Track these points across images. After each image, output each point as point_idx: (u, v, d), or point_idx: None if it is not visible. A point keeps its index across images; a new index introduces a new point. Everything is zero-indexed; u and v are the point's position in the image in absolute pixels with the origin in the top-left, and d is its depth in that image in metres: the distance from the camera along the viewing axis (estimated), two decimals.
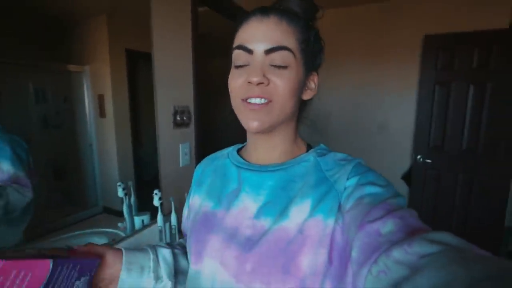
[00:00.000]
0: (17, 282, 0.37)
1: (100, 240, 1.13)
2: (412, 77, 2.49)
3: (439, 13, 2.35)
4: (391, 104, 2.62)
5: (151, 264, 0.51)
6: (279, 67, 0.43)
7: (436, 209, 2.48)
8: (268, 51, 0.42)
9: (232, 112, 0.49)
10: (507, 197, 2.29)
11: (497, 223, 2.32)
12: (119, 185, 1.20)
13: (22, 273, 0.38)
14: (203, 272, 0.45)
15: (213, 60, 1.94)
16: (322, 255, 0.38)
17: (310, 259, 0.39)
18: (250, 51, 0.43)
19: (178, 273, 0.55)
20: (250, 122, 0.44)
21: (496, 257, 0.23)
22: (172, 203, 1.18)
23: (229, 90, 0.47)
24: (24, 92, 0.91)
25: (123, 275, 0.48)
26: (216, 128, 2.64)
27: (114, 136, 1.23)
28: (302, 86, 0.47)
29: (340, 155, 0.47)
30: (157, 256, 0.54)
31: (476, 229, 2.37)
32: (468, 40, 2.24)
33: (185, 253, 0.59)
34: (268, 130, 0.46)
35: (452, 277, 0.21)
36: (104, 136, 1.19)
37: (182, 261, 0.57)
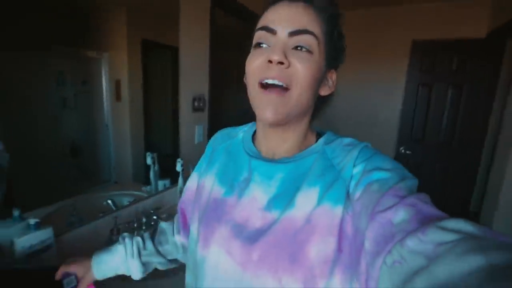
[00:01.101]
0: None
1: (129, 199, 1.25)
2: (400, 77, 2.57)
3: (426, 21, 2.42)
4: (380, 100, 2.71)
5: (120, 248, 0.60)
6: (302, 48, 0.39)
7: None
8: (292, 33, 0.39)
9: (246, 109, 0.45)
10: (474, 185, 2.45)
11: (464, 208, 2.48)
12: (148, 155, 1.32)
13: None
14: (208, 259, 0.43)
15: (223, 52, 2.02)
16: (331, 244, 0.35)
17: (319, 248, 0.36)
18: (273, 31, 0.39)
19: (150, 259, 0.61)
20: (265, 112, 0.39)
21: None
22: (191, 169, 1.34)
23: (246, 72, 0.42)
24: (47, 75, 0.93)
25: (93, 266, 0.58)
26: (225, 112, 2.77)
27: (128, 118, 1.26)
28: (321, 78, 0.42)
29: (346, 140, 0.44)
30: (131, 242, 0.60)
31: (446, 212, 2.54)
32: (449, 47, 2.34)
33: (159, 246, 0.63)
34: (282, 122, 0.41)
35: (471, 265, 0.20)
36: (119, 118, 1.22)
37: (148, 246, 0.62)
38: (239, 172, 0.47)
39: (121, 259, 0.59)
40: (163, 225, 0.66)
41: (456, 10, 2.33)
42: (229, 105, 2.92)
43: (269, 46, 0.40)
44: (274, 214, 0.40)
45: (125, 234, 0.62)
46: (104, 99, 1.19)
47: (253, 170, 0.45)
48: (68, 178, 1.08)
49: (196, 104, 1.56)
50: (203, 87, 1.62)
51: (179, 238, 0.62)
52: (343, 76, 2.81)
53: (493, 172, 1.96)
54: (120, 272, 0.60)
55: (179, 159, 1.35)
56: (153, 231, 0.65)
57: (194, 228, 0.50)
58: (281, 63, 0.38)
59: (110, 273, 0.60)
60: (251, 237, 0.40)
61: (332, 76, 0.46)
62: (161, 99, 1.47)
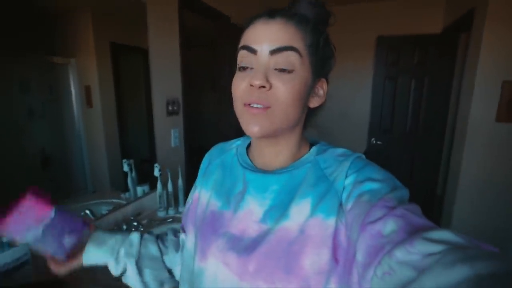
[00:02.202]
0: (32, 211, 0.47)
1: (108, 207, 1.21)
2: (368, 71, 2.71)
3: (389, 18, 2.58)
4: (350, 94, 2.83)
5: (113, 242, 0.53)
6: (283, 70, 0.39)
7: None
8: (274, 52, 0.38)
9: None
10: (438, 171, 2.64)
11: (431, 192, 2.66)
12: (124, 162, 1.29)
13: (37, 206, 0.47)
14: (206, 270, 0.43)
15: (195, 53, 2.00)
16: (325, 255, 0.36)
17: (313, 259, 0.36)
18: (254, 51, 0.39)
19: (144, 257, 0.55)
20: (250, 126, 0.40)
21: (501, 253, 0.22)
22: (169, 174, 1.38)
23: (232, 93, 0.43)
24: (9, 83, 0.89)
25: (86, 246, 0.51)
26: (201, 114, 2.73)
27: (102, 125, 1.22)
28: (308, 92, 0.42)
29: (339, 151, 0.44)
30: (124, 238, 0.55)
31: (414, 198, 2.72)
32: (411, 42, 2.49)
33: (159, 241, 0.59)
34: (270, 135, 0.42)
35: (458, 276, 0.20)
36: (92, 125, 1.19)
37: (151, 247, 0.56)
38: (235, 185, 0.47)
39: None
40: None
41: (415, 7, 2.49)
42: (205, 107, 2.89)
43: (252, 68, 0.40)
44: (269, 225, 0.41)
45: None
46: (74, 106, 1.14)
47: (248, 183, 0.45)
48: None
49: (170, 107, 1.54)
50: (176, 90, 1.60)
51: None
52: None
53: (453, 158, 2.12)
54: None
55: (156, 164, 1.34)
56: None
57: (189, 240, 0.49)
58: (263, 86, 0.38)
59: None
60: (246, 248, 0.40)
61: (323, 86, 0.45)
62: (135, 103, 1.43)
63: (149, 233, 0.59)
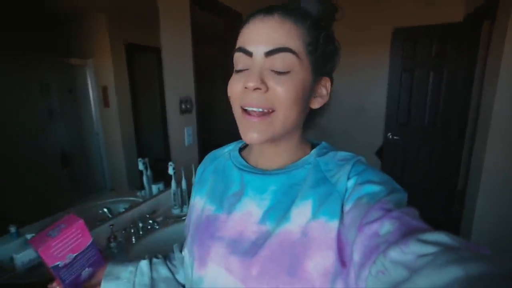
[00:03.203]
0: (74, 239, 0.46)
1: (125, 205, 1.23)
2: (384, 65, 2.61)
3: (406, 8, 2.45)
4: (365, 88, 2.74)
5: (127, 275, 0.53)
6: (279, 73, 0.37)
7: (403, 177, 2.69)
8: (269, 53, 0.37)
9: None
10: (459, 166, 2.53)
11: (451, 187, 2.56)
12: (140, 160, 1.31)
13: (80, 235, 0.46)
14: (206, 278, 0.42)
15: (207, 50, 2.00)
16: (330, 257, 0.35)
17: (317, 262, 0.36)
18: (249, 54, 0.38)
19: (158, 281, 0.55)
20: (248, 134, 0.39)
21: (493, 255, 0.22)
22: (183, 172, 1.41)
23: (229, 95, 0.42)
24: (30, 86, 0.91)
25: (102, 282, 0.51)
26: (214, 111, 2.74)
27: (118, 124, 1.24)
28: (309, 93, 0.41)
29: (340, 154, 0.43)
30: (136, 268, 0.55)
31: (434, 192, 2.59)
32: (428, 33, 2.38)
33: (168, 262, 0.59)
34: (269, 141, 0.41)
35: (450, 277, 0.20)
36: (109, 125, 1.21)
37: (161, 270, 0.57)
38: (228, 188, 0.47)
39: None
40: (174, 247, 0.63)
41: None
42: (217, 104, 2.90)
43: (248, 69, 0.39)
44: (268, 226, 0.40)
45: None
46: (92, 107, 1.16)
47: (246, 184, 0.45)
48: (61, 189, 1.06)
49: (183, 106, 1.54)
50: (189, 88, 1.60)
51: None
52: None
53: (475, 152, 2.03)
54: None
55: (170, 163, 1.35)
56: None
57: (187, 250, 0.49)
58: (258, 88, 0.37)
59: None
60: (248, 251, 0.40)
61: (326, 85, 0.44)
62: (150, 102, 1.45)
63: (156, 256, 0.60)
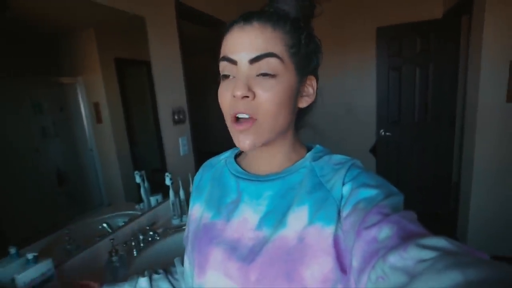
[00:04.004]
0: None
1: (124, 219, 1.23)
2: (371, 64, 2.68)
3: (387, 8, 2.55)
4: (355, 87, 2.80)
5: None
6: (266, 75, 0.38)
7: (399, 174, 2.73)
8: (253, 61, 0.38)
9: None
10: (452, 158, 2.58)
11: (446, 180, 2.61)
12: (136, 173, 1.31)
13: None
14: (206, 285, 0.43)
15: (196, 61, 2.02)
16: (328, 263, 0.35)
17: (315, 269, 0.36)
18: (234, 62, 0.39)
19: None
20: (241, 143, 0.40)
21: (492, 259, 0.22)
22: (180, 182, 1.41)
23: (220, 105, 0.43)
24: (22, 105, 0.91)
25: None
26: (207, 120, 2.76)
27: (112, 139, 1.25)
28: (295, 94, 0.42)
29: (335, 158, 0.43)
30: (134, 287, 0.56)
31: (430, 187, 2.64)
32: (412, 30, 2.46)
33: (169, 276, 0.60)
34: (263, 146, 0.42)
35: (449, 282, 0.20)
36: (103, 140, 1.21)
37: (163, 286, 0.58)
38: (226, 195, 0.47)
39: None
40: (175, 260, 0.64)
41: None
42: (211, 112, 2.91)
43: (234, 76, 0.40)
44: (265, 232, 0.40)
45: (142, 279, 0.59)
46: (85, 123, 1.17)
47: (242, 191, 0.45)
48: (59, 207, 1.06)
49: (176, 117, 1.56)
50: (181, 99, 1.63)
51: None
52: None
53: (465, 144, 2.07)
54: None
55: (167, 173, 1.35)
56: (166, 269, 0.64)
57: (187, 258, 0.49)
58: (246, 96, 0.38)
59: None
60: (246, 257, 0.40)
61: (312, 83, 0.44)
62: (143, 115, 1.46)
63: (156, 272, 0.60)
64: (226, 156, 0.54)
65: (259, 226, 0.41)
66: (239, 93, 0.37)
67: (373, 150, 2.84)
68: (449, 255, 0.23)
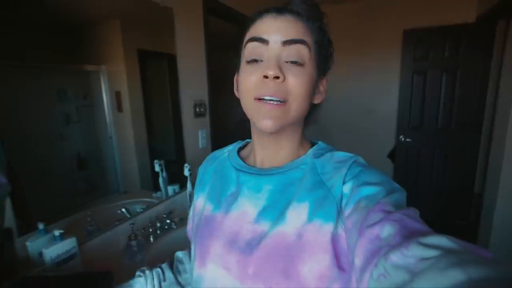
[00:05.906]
0: None
1: (141, 206, 1.26)
2: (395, 67, 2.59)
3: (416, 10, 2.43)
4: (377, 91, 2.72)
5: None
6: (295, 63, 0.38)
7: (418, 181, 2.64)
8: (286, 43, 0.38)
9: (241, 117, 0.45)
10: (475, 168, 2.46)
11: (468, 190, 2.49)
12: (156, 162, 1.34)
13: None
14: (205, 276, 0.43)
15: (219, 56, 2.03)
16: (325, 261, 0.36)
17: (312, 266, 0.36)
18: (265, 42, 0.39)
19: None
20: (264, 121, 0.39)
21: (495, 258, 0.22)
22: (198, 173, 1.41)
23: (240, 88, 0.42)
24: (49, 92, 0.95)
25: None
26: (226, 115, 2.79)
27: (131, 128, 1.27)
28: (314, 88, 0.42)
29: (336, 156, 0.43)
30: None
31: (451, 197, 2.53)
32: (441, 34, 2.34)
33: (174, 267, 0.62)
34: (280, 131, 0.41)
35: (451, 280, 0.20)
36: (122, 129, 1.23)
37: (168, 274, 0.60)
38: (226, 188, 0.47)
39: None
40: (180, 254, 0.64)
41: None
42: (229, 108, 2.92)
43: (262, 61, 0.39)
44: (264, 226, 0.40)
45: (144, 267, 0.60)
46: (106, 111, 1.19)
47: (241, 184, 0.46)
48: (78, 191, 1.10)
49: (197, 109, 1.58)
50: (203, 93, 1.65)
51: None
52: (337, 70, 2.83)
53: (492, 153, 1.96)
54: None
55: (186, 164, 1.37)
56: (172, 261, 0.65)
57: (192, 249, 0.50)
58: (277, 77, 0.37)
59: None
60: (244, 250, 0.40)
61: (323, 83, 0.46)
62: (161, 107, 1.48)
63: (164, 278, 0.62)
64: (230, 149, 0.55)
65: (258, 219, 0.41)
66: (271, 72, 0.37)
67: (391, 155, 2.75)
68: (451, 253, 0.23)
